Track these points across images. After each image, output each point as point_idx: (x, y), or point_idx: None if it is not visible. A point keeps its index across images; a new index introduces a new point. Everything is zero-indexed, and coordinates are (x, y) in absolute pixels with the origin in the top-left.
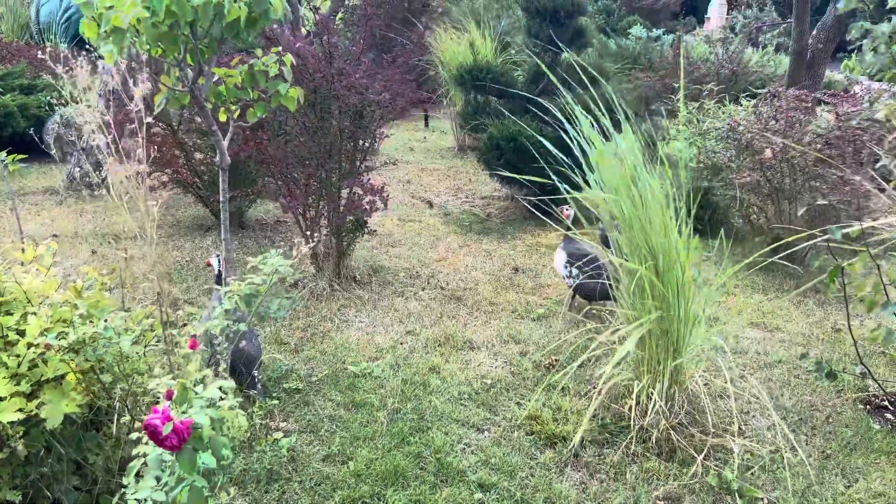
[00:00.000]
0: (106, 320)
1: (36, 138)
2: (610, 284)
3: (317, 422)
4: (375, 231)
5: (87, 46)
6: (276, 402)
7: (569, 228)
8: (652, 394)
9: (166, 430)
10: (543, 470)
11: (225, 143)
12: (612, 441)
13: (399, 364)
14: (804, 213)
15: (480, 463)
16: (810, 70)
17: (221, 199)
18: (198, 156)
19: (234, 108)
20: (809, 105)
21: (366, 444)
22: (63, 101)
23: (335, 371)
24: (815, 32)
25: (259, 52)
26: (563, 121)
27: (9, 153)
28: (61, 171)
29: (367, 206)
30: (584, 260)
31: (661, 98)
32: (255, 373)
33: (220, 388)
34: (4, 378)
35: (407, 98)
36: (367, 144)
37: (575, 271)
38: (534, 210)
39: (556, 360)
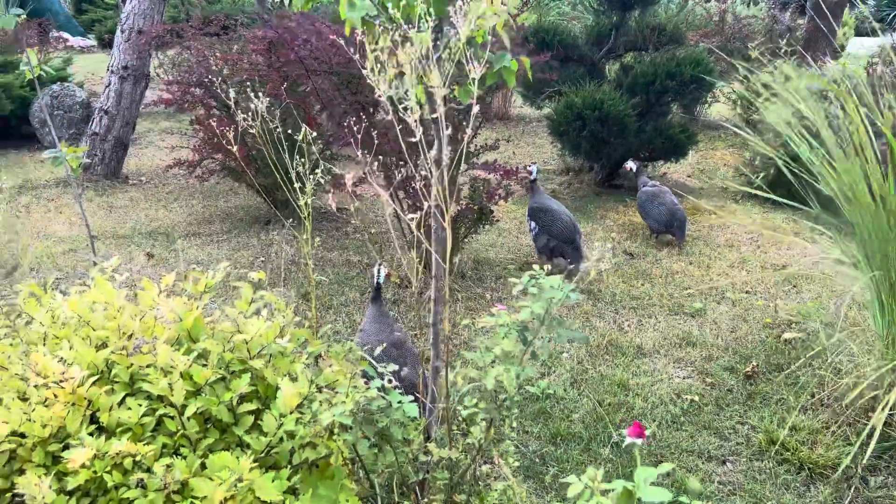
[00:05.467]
0: (390, 378)
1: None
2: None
3: (529, 465)
4: (499, 220)
5: None
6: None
7: None
8: None
9: None
10: None
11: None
12: (881, 466)
13: (578, 380)
14: None
15: None
16: (827, 21)
17: (438, 204)
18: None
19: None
20: None
21: None
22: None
23: None
24: None
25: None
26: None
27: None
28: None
29: (503, 192)
30: (543, 212)
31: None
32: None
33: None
34: (255, 467)
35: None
36: (479, 121)
37: (534, 224)
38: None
39: (755, 367)
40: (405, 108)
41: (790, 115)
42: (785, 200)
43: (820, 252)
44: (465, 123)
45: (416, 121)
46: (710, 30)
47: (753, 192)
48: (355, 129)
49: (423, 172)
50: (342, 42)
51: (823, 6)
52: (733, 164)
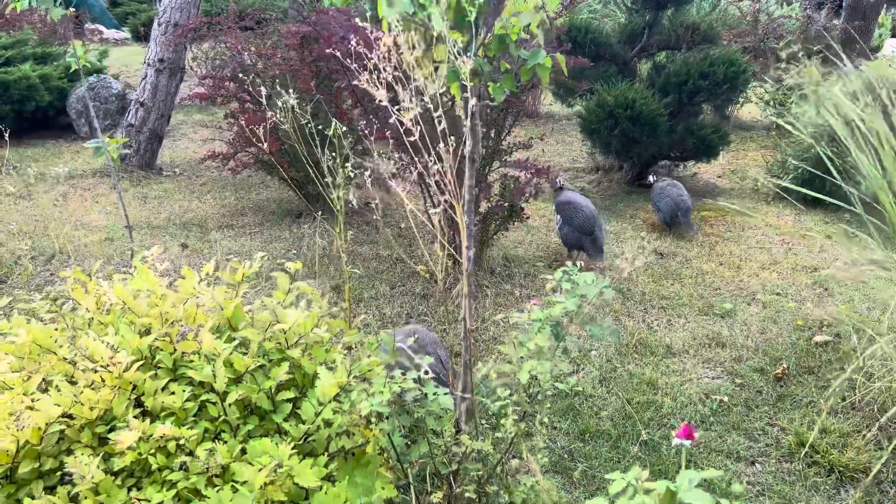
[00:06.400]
0: (426, 371)
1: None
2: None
3: (557, 461)
4: (529, 217)
5: None
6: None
7: None
8: None
9: None
10: None
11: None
12: None
13: (606, 378)
14: None
15: None
16: (863, 21)
17: (468, 196)
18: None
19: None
20: None
21: None
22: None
23: None
24: None
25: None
26: None
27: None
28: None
29: (533, 190)
30: (567, 204)
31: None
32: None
33: None
34: (293, 453)
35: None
36: (512, 119)
37: (559, 217)
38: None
39: (786, 369)
40: (401, 110)
41: (828, 112)
42: (822, 196)
43: (854, 254)
44: (501, 116)
45: (412, 120)
46: (744, 29)
47: (792, 186)
48: (378, 123)
49: (434, 168)
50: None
51: (859, 6)
52: (765, 165)
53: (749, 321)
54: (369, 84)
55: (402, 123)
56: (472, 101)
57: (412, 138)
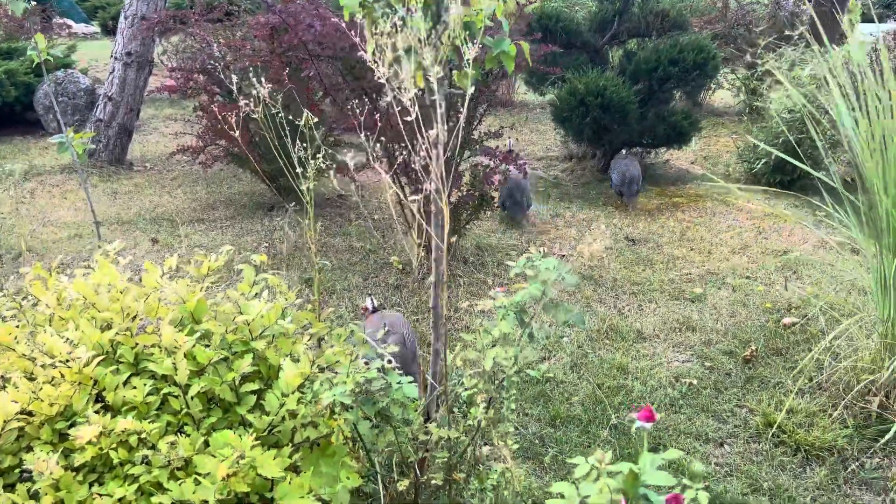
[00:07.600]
0: (390, 360)
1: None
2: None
3: (528, 447)
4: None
5: None
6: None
7: None
8: None
9: None
10: (826, 493)
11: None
12: (877, 448)
13: (577, 364)
14: None
15: (751, 489)
16: (833, 7)
17: (436, 186)
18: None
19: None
20: None
21: None
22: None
23: None
24: None
25: None
26: None
27: None
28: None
29: (502, 178)
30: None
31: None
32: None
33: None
34: (256, 445)
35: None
36: (483, 108)
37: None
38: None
39: (754, 351)
40: (401, 89)
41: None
42: (802, 166)
43: (822, 236)
44: (471, 105)
45: (410, 100)
46: (714, 16)
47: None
48: (358, 111)
49: (422, 154)
50: (343, 25)
51: None
52: (737, 150)
53: (719, 305)
54: (374, 63)
55: (398, 104)
56: (437, 88)
57: (408, 118)
